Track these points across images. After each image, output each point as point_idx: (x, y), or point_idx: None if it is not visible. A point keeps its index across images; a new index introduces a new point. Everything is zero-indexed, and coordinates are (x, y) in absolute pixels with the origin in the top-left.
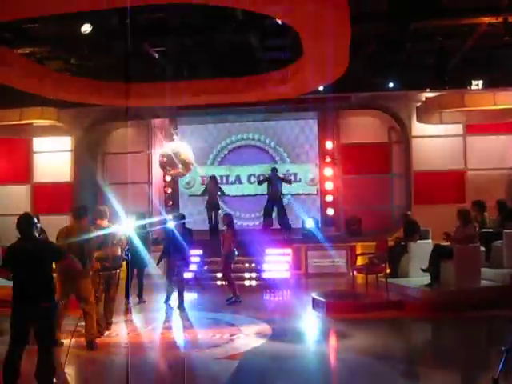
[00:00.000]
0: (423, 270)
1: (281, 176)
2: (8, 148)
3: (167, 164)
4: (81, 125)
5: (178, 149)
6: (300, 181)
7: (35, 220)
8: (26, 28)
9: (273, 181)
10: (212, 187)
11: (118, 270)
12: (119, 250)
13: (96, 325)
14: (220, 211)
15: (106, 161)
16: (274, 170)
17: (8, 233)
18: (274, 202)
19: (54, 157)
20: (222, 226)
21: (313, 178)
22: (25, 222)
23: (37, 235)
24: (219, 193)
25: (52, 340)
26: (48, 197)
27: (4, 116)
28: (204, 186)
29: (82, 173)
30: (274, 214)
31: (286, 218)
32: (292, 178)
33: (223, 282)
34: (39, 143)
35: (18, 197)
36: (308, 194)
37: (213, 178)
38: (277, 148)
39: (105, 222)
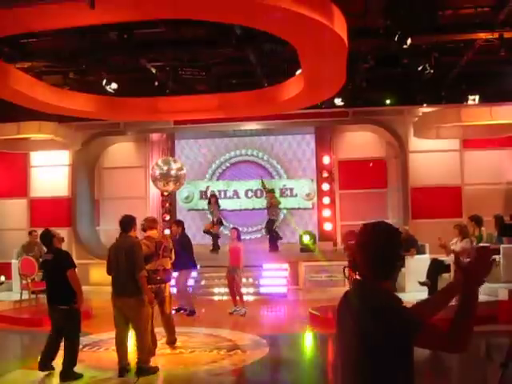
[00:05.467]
0: (421, 284)
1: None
2: (5, 162)
3: (158, 179)
4: (78, 139)
5: (169, 164)
6: (296, 196)
7: (51, 234)
8: (25, 43)
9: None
10: (213, 205)
11: (167, 284)
12: (169, 263)
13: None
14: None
15: (103, 175)
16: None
17: (5, 247)
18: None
19: (51, 171)
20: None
21: (308, 193)
22: (43, 238)
23: (59, 246)
24: (219, 208)
25: (74, 336)
26: (45, 211)
27: (1, 130)
28: (204, 201)
29: (79, 187)
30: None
31: (273, 236)
32: (288, 192)
33: (221, 298)
34: (37, 157)
35: (15, 211)
36: (304, 209)
37: (213, 196)
38: (274, 163)
39: (156, 233)
